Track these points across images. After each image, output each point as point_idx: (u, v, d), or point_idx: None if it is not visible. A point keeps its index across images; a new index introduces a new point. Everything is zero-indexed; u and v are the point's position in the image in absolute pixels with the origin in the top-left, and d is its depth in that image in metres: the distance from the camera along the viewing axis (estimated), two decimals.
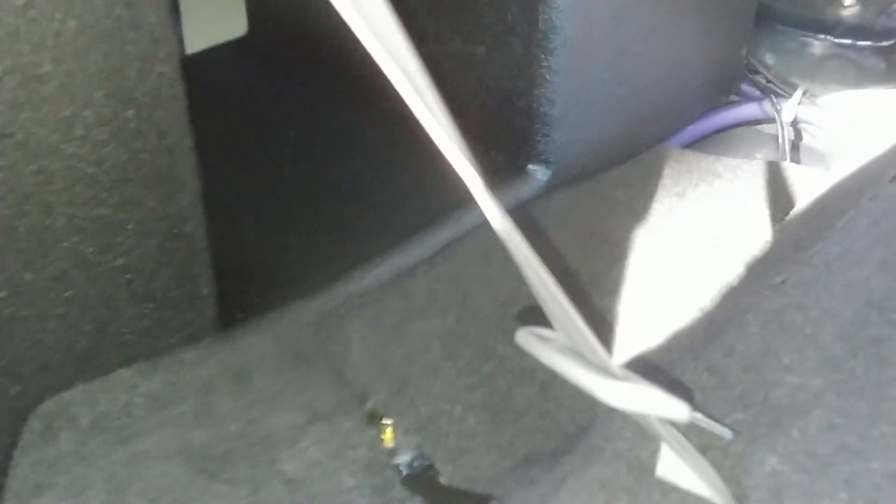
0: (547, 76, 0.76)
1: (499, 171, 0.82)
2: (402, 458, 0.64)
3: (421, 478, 0.63)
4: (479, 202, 0.39)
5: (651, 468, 0.45)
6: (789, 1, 1.06)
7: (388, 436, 0.65)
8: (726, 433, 0.45)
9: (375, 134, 0.86)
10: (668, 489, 0.44)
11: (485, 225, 0.77)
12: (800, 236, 0.64)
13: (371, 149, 0.84)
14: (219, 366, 0.58)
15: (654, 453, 0.46)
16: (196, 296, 0.56)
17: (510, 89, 0.79)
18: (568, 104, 0.79)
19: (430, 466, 0.62)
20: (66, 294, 0.49)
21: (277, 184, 0.78)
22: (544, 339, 0.45)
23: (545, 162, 0.81)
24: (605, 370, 0.40)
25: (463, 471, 0.61)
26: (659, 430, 0.41)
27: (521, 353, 0.68)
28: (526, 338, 0.46)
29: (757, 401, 0.48)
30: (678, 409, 0.38)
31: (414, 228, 0.73)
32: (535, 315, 0.71)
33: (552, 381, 0.67)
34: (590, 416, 0.59)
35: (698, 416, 0.45)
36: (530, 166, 0.82)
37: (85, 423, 0.53)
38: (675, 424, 0.42)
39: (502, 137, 0.82)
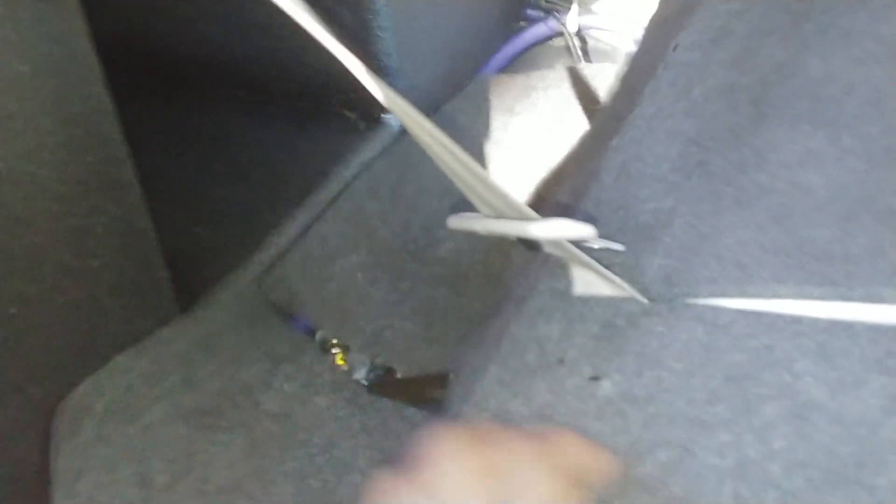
0: (379, 34, 0.87)
1: (357, 126, 0.93)
2: (359, 374, 0.75)
3: (382, 381, 0.74)
4: (381, 96, 0.49)
5: (571, 292, 0.59)
6: None
7: (340, 359, 0.75)
8: (618, 246, 0.59)
9: (243, 125, 0.95)
10: (587, 300, 0.58)
11: (363, 175, 0.88)
12: (618, 108, 0.80)
13: (246, 137, 0.93)
14: (191, 339, 0.67)
15: (569, 282, 0.59)
16: (157, 281, 0.64)
17: (350, 51, 0.89)
18: (401, 55, 0.91)
19: (389, 369, 0.74)
20: (62, 300, 0.55)
21: (185, 177, 0.85)
22: (470, 217, 0.57)
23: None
24: (524, 217, 0.53)
25: (416, 365, 0.72)
26: (573, 253, 0.55)
27: (426, 266, 0.81)
28: (457, 220, 0.57)
29: (630, 227, 0.63)
30: (586, 230, 0.52)
31: (311, 186, 0.83)
32: (428, 234, 0.83)
33: (458, 281, 0.80)
34: (502, 295, 0.73)
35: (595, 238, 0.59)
36: (383, 115, 0.94)
37: (99, 409, 0.60)
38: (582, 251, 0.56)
39: (352, 96, 0.93)
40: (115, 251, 0.59)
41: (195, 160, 0.85)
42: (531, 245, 0.55)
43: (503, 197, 0.52)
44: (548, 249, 0.57)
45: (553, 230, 0.51)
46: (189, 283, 0.70)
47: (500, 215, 0.56)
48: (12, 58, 0.48)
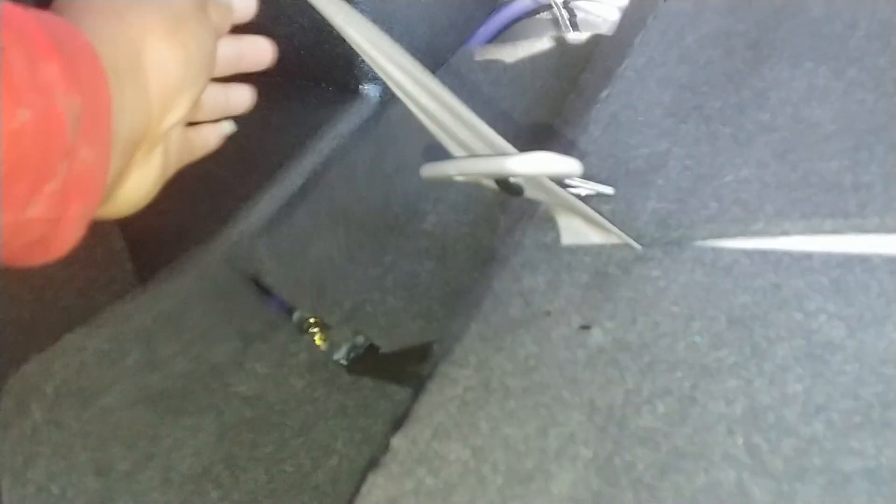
0: (353, 2, 0.83)
1: (335, 99, 0.88)
2: (339, 354, 0.70)
3: (363, 359, 0.69)
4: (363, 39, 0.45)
5: (557, 243, 0.54)
6: None
7: (319, 339, 0.70)
8: (609, 189, 0.54)
9: None
10: (575, 251, 0.53)
11: (340, 150, 0.83)
12: (608, 62, 0.75)
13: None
14: (153, 314, 0.61)
15: (556, 234, 0.54)
16: (113, 251, 0.59)
17: (323, 23, 0.85)
18: (377, 24, 0.86)
19: (370, 347, 0.69)
20: (4, 270, 0.50)
21: None
22: (444, 164, 0.52)
23: (373, 80, 0.89)
24: (503, 153, 0.47)
25: (399, 339, 0.67)
26: (558, 195, 0.50)
27: (409, 240, 0.76)
28: (430, 168, 0.52)
29: (622, 173, 0.58)
30: (571, 164, 0.47)
31: (285, 161, 0.78)
32: (410, 208, 0.79)
33: (444, 254, 0.75)
34: (483, 260, 0.68)
35: (583, 180, 0.54)
36: (361, 87, 0.89)
37: (49, 391, 0.55)
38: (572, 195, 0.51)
39: (330, 69, 0.88)
40: None
41: None
42: (514, 190, 0.50)
43: (484, 135, 0.47)
44: (531, 194, 0.51)
45: (534, 165, 0.46)
46: (151, 256, 0.65)
47: (473, 153, 0.51)
48: None
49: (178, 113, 0.38)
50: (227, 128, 0.49)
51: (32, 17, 0.31)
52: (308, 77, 0.90)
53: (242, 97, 0.49)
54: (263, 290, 0.70)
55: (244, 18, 0.45)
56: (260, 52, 0.48)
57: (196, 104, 0.40)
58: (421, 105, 0.48)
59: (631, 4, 0.86)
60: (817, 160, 0.51)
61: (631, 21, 0.81)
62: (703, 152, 0.56)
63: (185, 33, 0.38)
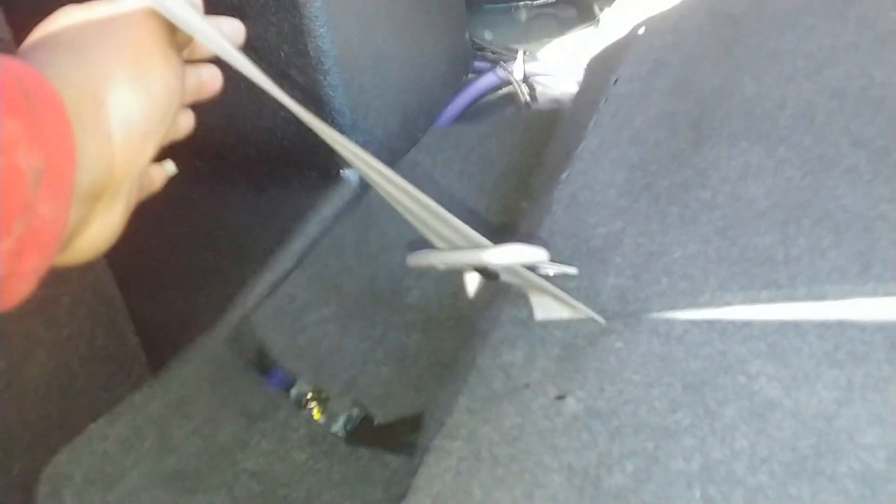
0: (330, 93, 0.90)
1: (318, 184, 0.95)
2: (336, 426, 0.75)
3: (360, 430, 0.75)
4: (339, 147, 0.50)
5: (531, 319, 0.61)
6: None
7: (317, 413, 0.76)
8: (573, 270, 0.61)
9: (204, 194, 0.97)
10: (547, 325, 0.59)
11: (326, 232, 0.89)
12: (566, 143, 0.82)
13: (208, 205, 0.95)
14: (164, 401, 0.67)
15: (529, 310, 0.61)
16: (128, 347, 0.65)
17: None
18: (354, 112, 0.93)
19: (365, 417, 0.74)
20: (34, 371, 0.56)
21: (151, 245, 0.86)
22: (428, 254, 0.59)
23: (351, 165, 0.96)
24: (480, 246, 0.54)
25: (393, 409, 0.73)
26: (529, 280, 0.56)
27: (396, 314, 0.82)
28: (416, 257, 0.59)
29: (582, 252, 0.65)
30: (539, 253, 0.54)
31: (275, 246, 0.85)
32: (395, 284, 0.85)
33: (429, 326, 0.82)
34: (465, 330, 0.74)
35: (550, 262, 0.60)
36: (342, 171, 0.96)
37: (78, 478, 0.60)
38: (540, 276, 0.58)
39: (311, 155, 0.95)
40: (85, 320, 0.59)
41: (158, 229, 0.87)
42: (490, 275, 0.57)
43: (459, 230, 0.54)
44: (505, 278, 0.58)
45: (507, 256, 0.53)
46: (160, 348, 0.71)
47: (453, 246, 0.58)
48: None
49: (142, 160, 0.38)
50: (171, 168, 0.49)
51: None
52: (292, 164, 0.97)
53: (214, 76, 0.48)
54: (262, 371, 0.76)
55: (236, 42, 0.45)
56: (216, 76, 0.47)
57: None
58: (393, 199, 0.55)
59: (584, 86, 0.94)
60: (753, 235, 0.59)
61: (585, 102, 0.89)
62: (654, 230, 0.63)
63: (151, 75, 0.38)
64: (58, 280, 0.58)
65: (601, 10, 1.24)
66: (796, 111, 0.70)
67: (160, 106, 0.38)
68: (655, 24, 0.93)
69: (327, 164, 0.96)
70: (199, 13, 0.41)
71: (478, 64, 1.22)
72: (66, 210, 0.32)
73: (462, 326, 0.78)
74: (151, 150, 0.38)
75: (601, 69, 0.91)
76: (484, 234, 0.54)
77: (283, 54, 0.88)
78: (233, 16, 0.86)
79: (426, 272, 0.87)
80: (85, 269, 0.60)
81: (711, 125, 0.73)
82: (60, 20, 0.39)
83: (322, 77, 0.89)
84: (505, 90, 1.21)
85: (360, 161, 0.51)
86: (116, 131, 0.35)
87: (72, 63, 0.35)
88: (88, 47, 0.36)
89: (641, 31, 0.93)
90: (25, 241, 0.30)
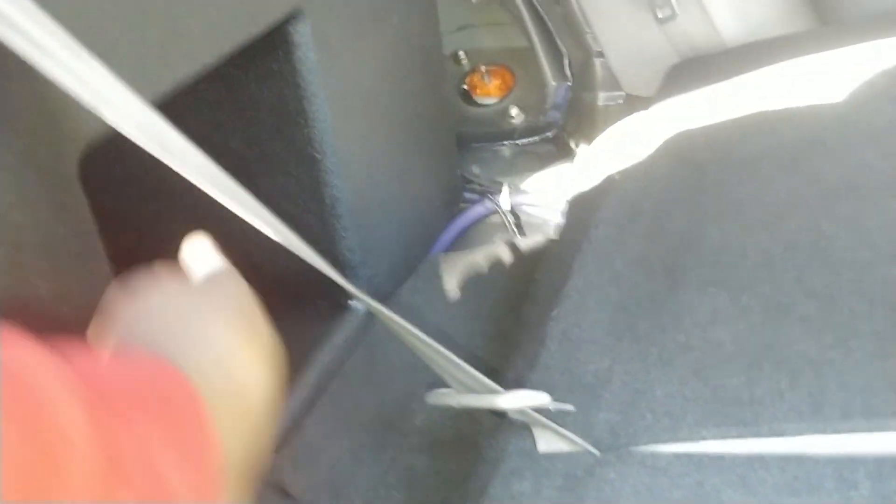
0: (343, 234, 1.01)
1: (326, 313, 1.05)
2: None
3: None
4: (362, 299, 0.61)
5: (536, 450, 0.70)
6: (476, 124, 1.40)
7: None
8: (570, 408, 0.71)
9: None
10: (550, 457, 0.68)
11: (337, 361, 0.98)
12: (553, 279, 0.93)
13: None
14: None
15: (534, 441, 0.70)
16: None
17: (316, 250, 1.02)
18: (363, 249, 1.04)
19: None
20: None
21: None
22: (445, 393, 0.68)
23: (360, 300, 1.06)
24: (492, 391, 0.64)
25: None
26: (534, 417, 0.66)
27: (404, 438, 0.91)
28: (434, 397, 0.69)
29: (576, 387, 0.74)
30: (543, 398, 0.63)
31: (293, 375, 0.93)
32: (402, 408, 0.94)
33: (435, 449, 0.90)
34: (475, 457, 0.83)
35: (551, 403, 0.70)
36: (350, 302, 1.06)
37: None
38: (541, 413, 0.67)
39: (322, 287, 1.04)
40: None
41: None
42: (499, 413, 0.67)
43: (470, 374, 0.64)
44: (513, 415, 0.68)
45: (517, 401, 0.62)
46: None
47: (469, 389, 0.68)
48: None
49: (265, 436, 0.37)
50: None
51: (146, 390, 0.30)
52: (304, 296, 1.06)
53: None
54: (290, 499, 0.84)
55: None
56: None
57: None
58: (409, 343, 0.64)
59: (566, 226, 1.06)
60: (722, 377, 0.69)
61: (568, 241, 1.00)
62: (638, 369, 0.73)
63: (264, 339, 0.41)
64: None
65: (577, 145, 1.37)
66: (756, 261, 0.81)
67: (275, 368, 0.39)
68: (629, 171, 1.05)
69: (337, 295, 1.06)
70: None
71: (467, 195, 1.33)
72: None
73: (466, 449, 0.87)
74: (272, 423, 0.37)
75: (581, 211, 1.03)
76: (485, 362, 0.63)
77: (301, 202, 0.99)
78: (257, 170, 0.97)
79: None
80: None
81: (683, 270, 0.84)
82: (157, 297, 0.41)
83: (336, 221, 0.99)
84: (493, 219, 1.32)
85: (375, 308, 0.61)
86: (248, 408, 0.36)
87: (194, 347, 0.36)
88: (204, 324, 0.37)
89: (617, 176, 1.05)
90: None
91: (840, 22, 1.23)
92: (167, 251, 1.10)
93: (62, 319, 0.62)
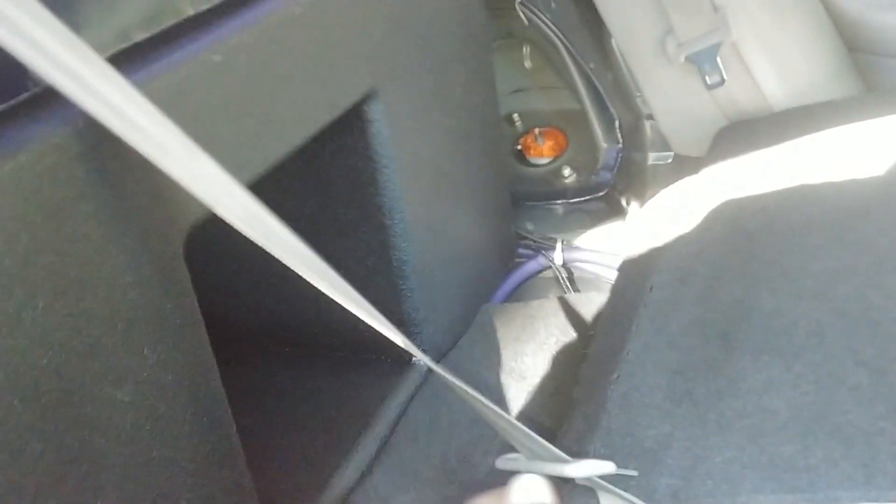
0: (408, 294, 1.06)
1: (392, 371, 1.10)
2: None
3: None
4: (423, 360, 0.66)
5: None
6: (529, 183, 1.46)
7: None
8: (633, 472, 0.75)
9: (292, 377, 1.11)
10: None
11: (402, 414, 1.03)
12: (611, 341, 0.97)
13: (296, 389, 1.10)
14: None
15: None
16: None
17: (383, 311, 1.08)
18: (426, 307, 1.09)
19: None
20: None
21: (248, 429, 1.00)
22: (514, 459, 0.73)
23: (423, 352, 1.11)
24: (560, 460, 0.69)
25: None
26: (599, 483, 0.70)
27: (468, 491, 0.95)
28: (503, 461, 0.73)
29: (638, 451, 0.78)
30: (609, 466, 0.68)
31: (360, 430, 0.99)
32: (465, 461, 0.98)
33: None
34: None
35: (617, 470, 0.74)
36: (413, 358, 1.11)
37: None
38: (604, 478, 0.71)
39: (388, 345, 1.10)
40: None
41: (252, 412, 1.00)
42: (567, 480, 0.71)
43: (531, 438, 0.68)
44: (578, 480, 0.72)
45: (585, 470, 0.67)
46: None
47: (530, 450, 0.72)
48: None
49: None
50: None
51: None
52: (370, 351, 1.12)
53: None
54: None
55: None
56: None
57: None
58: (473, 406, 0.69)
59: (620, 287, 1.10)
60: (778, 445, 0.73)
61: (623, 303, 1.04)
62: (697, 434, 0.77)
63: None
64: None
65: (627, 203, 1.42)
66: (808, 329, 0.85)
67: None
68: (681, 235, 1.09)
69: (400, 351, 1.11)
70: None
71: (521, 251, 1.39)
72: None
73: None
74: None
75: (636, 272, 1.07)
76: (538, 422, 0.67)
77: (369, 264, 1.04)
78: (328, 233, 1.04)
79: (490, 449, 1.00)
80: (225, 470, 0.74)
81: (737, 336, 0.88)
82: None
83: (402, 282, 1.05)
84: (546, 273, 1.37)
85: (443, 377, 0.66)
86: None
87: None
88: None
89: (669, 239, 1.10)
90: None
91: (885, 89, 1.27)
92: (249, 315, 1.16)
93: (166, 387, 0.68)
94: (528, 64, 1.50)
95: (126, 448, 0.64)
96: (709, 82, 1.26)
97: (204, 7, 0.72)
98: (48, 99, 0.56)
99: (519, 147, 1.49)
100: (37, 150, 0.54)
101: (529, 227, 1.42)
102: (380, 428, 1.02)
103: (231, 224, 0.58)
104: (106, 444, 0.62)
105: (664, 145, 1.38)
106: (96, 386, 0.60)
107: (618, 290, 1.12)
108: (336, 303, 0.67)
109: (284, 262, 0.61)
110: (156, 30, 0.67)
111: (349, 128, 0.94)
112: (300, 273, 0.62)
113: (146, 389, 0.66)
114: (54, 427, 0.57)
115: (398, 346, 1.13)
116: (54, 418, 0.57)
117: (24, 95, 0.56)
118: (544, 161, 1.47)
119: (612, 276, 1.20)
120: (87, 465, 0.60)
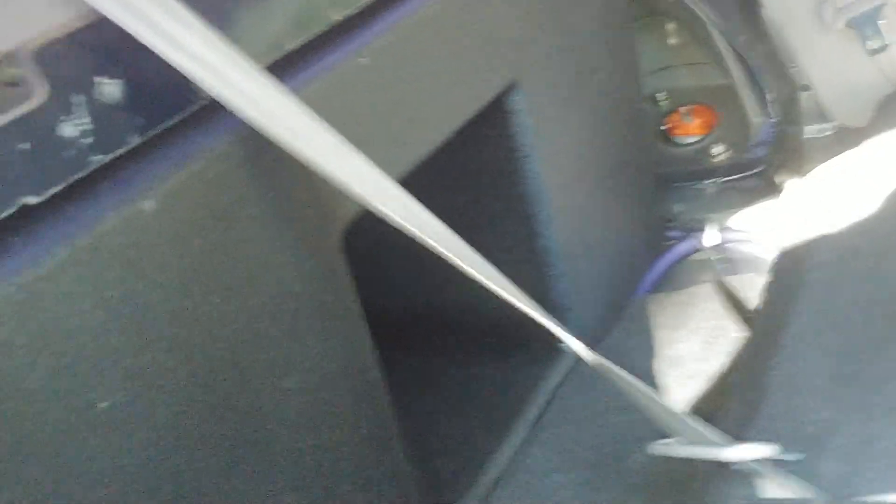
0: (554, 281, 1.06)
1: (542, 356, 1.11)
2: None
3: None
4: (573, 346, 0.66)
5: (756, 496, 0.72)
6: (676, 163, 1.42)
7: None
8: (799, 455, 0.73)
9: (446, 365, 1.15)
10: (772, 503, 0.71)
11: (553, 398, 1.04)
12: (768, 326, 0.94)
13: (452, 376, 1.13)
14: None
15: (758, 490, 0.73)
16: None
17: (530, 298, 1.10)
18: (572, 294, 1.09)
19: None
20: None
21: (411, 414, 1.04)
22: (668, 444, 0.73)
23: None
24: (717, 444, 0.68)
25: None
26: (758, 468, 0.69)
27: (621, 477, 0.95)
28: (657, 447, 0.73)
29: (801, 436, 0.76)
30: (770, 449, 0.66)
31: (510, 415, 1.01)
32: (618, 447, 0.98)
33: (650, 489, 0.94)
34: (690, 502, 0.86)
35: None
36: (561, 345, 1.11)
37: None
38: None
39: (537, 330, 1.11)
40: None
41: (413, 398, 1.04)
42: (723, 464, 0.70)
43: (687, 423, 0.68)
44: (736, 466, 0.71)
45: (746, 453, 0.66)
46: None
47: (686, 435, 0.72)
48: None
49: None
50: None
51: None
52: (519, 337, 1.13)
53: None
54: None
55: None
56: None
57: None
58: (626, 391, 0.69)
59: (778, 271, 1.06)
60: None
61: (781, 286, 1.01)
62: (862, 419, 0.74)
63: None
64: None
65: (782, 180, 1.36)
66: None
67: None
68: (844, 211, 1.04)
69: (549, 337, 1.12)
70: None
71: (671, 234, 1.36)
72: None
73: (678, 491, 0.90)
74: None
75: (793, 252, 1.03)
76: (700, 409, 0.66)
77: (515, 253, 1.06)
78: (476, 225, 1.06)
79: (645, 435, 1.00)
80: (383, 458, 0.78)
81: None
82: None
83: (547, 269, 1.06)
84: (698, 256, 1.34)
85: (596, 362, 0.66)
86: None
87: None
88: None
89: (830, 216, 1.05)
90: None
91: None
92: (406, 305, 1.20)
93: (329, 376, 0.72)
94: (672, 41, 1.46)
95: (293, 434, 0.68)
96: (871, 47, 1.19)
97: (349, 12, 0.75)
98: (212, 111, 0.60)
99: (663, 127, 1.46)
100: (205, 159, 0.59)
101: (678, 208, 1.39)
102: (532, 411, 1.03)
103: (386, 219, 0.61)
104: (275, 430, 0.66)
105: (820, 118, 1.31)
106: (266, 375, 0.65)
107: (775, 271, 1.08)
108: (485, 291, 0.69)
109: (438, 253, 0.63)
110: (306, 38, 0.71)
111: (491, 120, 0.95)
112: (453, 263, 0.65)
113: (310, 378, 0.70)
114: (231, 414, 0.62)
115: (544, 334, 1.15)
116: (230, 406, 0.62)
117: (191, 109, 0.61)
118: (692, 140, 1.43)
119: (768, 256, 1.15)
120: (260, 449, 0.65)
